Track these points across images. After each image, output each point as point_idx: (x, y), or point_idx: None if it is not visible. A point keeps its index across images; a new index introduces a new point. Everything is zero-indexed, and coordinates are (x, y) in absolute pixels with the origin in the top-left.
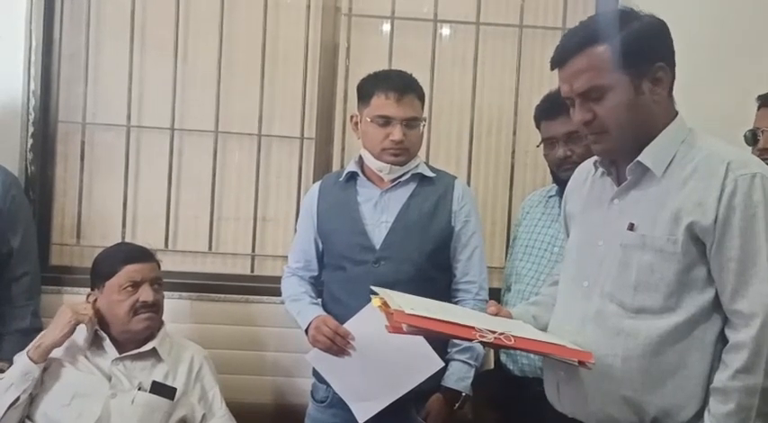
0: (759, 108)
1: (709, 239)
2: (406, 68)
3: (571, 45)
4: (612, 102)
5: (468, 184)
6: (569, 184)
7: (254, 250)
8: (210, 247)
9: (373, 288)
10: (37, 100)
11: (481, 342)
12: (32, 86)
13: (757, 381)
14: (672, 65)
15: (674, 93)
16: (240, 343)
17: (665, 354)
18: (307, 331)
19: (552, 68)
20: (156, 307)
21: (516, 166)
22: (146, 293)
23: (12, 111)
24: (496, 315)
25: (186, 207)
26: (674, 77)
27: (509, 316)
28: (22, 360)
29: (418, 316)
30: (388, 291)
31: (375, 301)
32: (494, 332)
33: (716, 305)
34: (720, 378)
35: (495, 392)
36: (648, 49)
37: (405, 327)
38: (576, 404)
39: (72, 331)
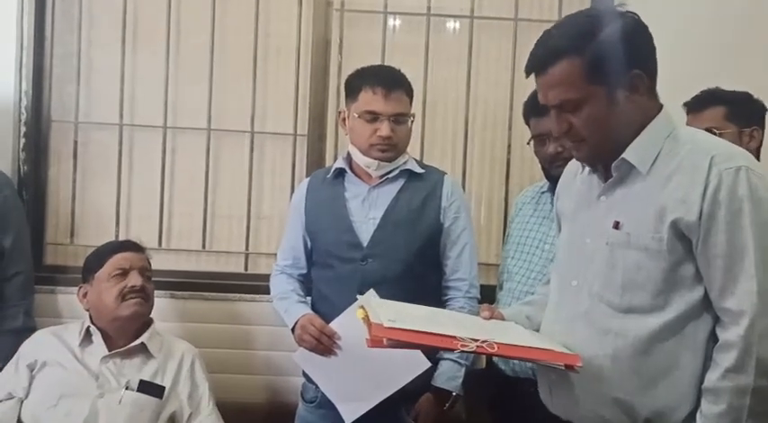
0: (687, 114)
1: (694, 236)
2: (400, 63)
3: (542, 56)
4: (587, 113)
5: (464, 179)
6: (560, 181)
7: (247, 248)
8: (204, 246)
9: (358, 297)
10: (29, 99)
11: (464, 351)
12: (24, 86)
13: (748, 380)
14: (650, 67)
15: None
16: (233, 341)
17: (656, 353)
18: (293, 330)
19: (527, 76)
20: (144, 293)
21: (512, 160)
22: (134, 279)
23: (4, 110)
24: (490, 318)
25: (180, 205)
26: (654, 76)
27: (502, 317)
28: None
29: (397, 329)
30: (372, 300)
31: (359, 313)
32: (476, 340)
33: (706, 303)
34: (711, 378)
35: (488, 392)
36: (622, 59)
37: (384, 340)
38: (568, 406)
39: None
